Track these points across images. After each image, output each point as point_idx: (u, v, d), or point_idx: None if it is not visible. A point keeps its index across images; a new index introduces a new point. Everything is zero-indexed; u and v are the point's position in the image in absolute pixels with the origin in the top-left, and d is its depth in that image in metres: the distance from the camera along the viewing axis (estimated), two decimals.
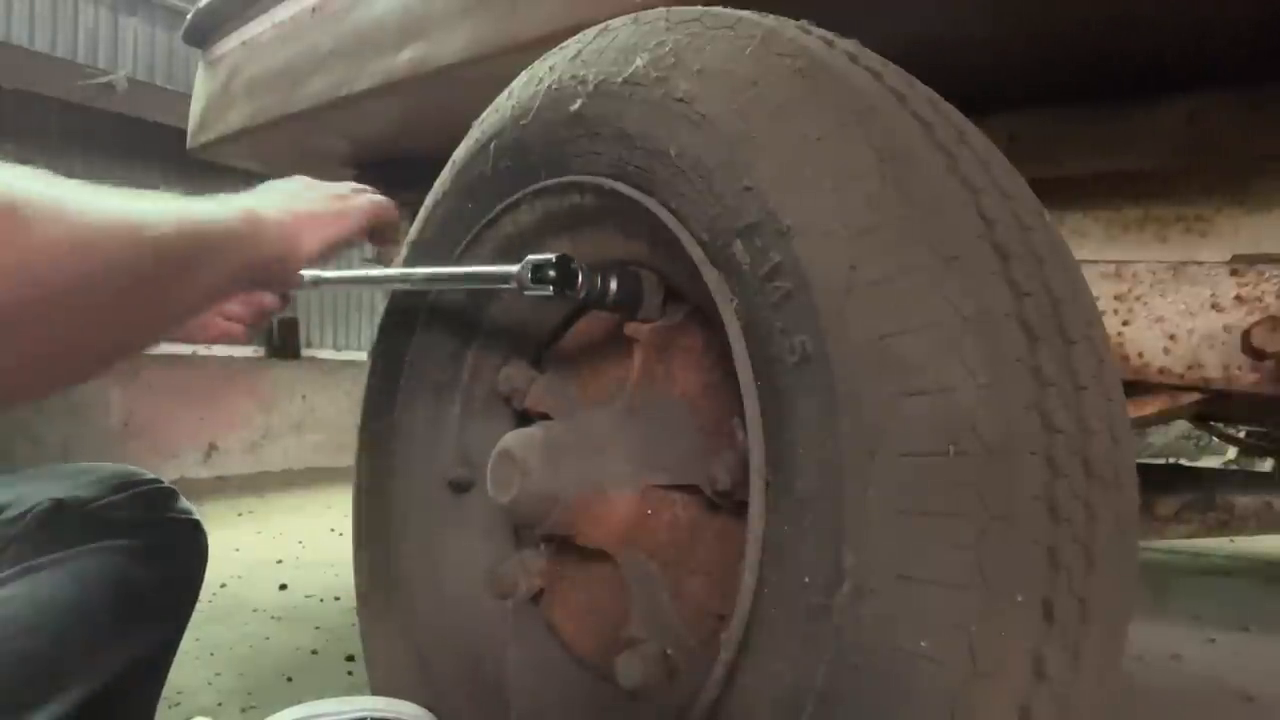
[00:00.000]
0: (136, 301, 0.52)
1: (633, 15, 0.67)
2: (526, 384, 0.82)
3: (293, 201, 0.71)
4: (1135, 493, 0.49)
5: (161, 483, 0.82)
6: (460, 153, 0.83)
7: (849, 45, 0.58)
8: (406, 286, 0.84)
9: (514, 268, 0.65)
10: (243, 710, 1.24)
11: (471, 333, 0.86)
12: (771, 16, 0.60)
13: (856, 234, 0.48)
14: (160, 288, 0.53)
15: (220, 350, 3.64)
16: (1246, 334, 0.75)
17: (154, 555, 0.76)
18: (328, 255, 0.73)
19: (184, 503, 0.84)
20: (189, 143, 1.73)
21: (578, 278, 0.64)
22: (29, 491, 0.74)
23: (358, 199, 0.77)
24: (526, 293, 0.64)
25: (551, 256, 0.63)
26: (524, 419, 0.85)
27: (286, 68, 1.43)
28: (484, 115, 0.81)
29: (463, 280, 0.76)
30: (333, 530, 2.72)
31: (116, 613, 0.71)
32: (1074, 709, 0.45)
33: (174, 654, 0.81)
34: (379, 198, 0.81)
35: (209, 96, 1.65)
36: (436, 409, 0.89)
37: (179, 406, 3.58)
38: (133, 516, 0.76)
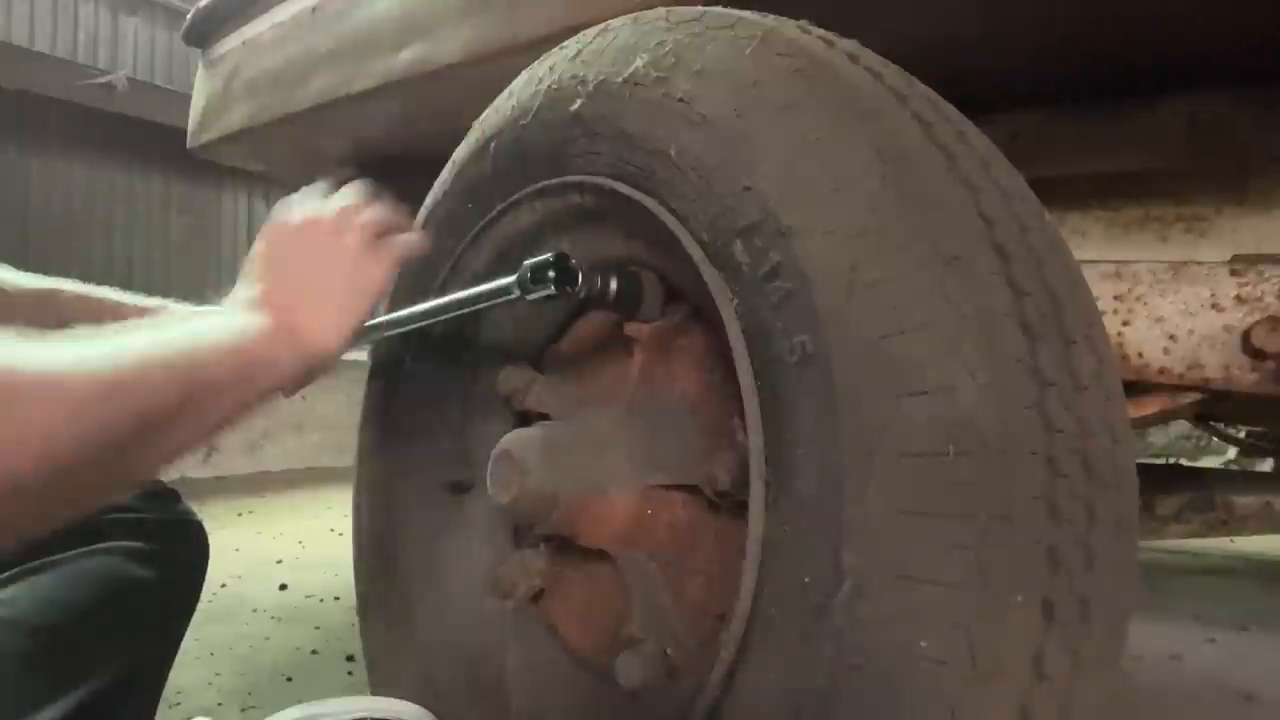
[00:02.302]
0: (139, 451, 0.48)
1: (633, 15, 0.67)
2: (526, 384, 0.82)
3: (303, 293, 0.61)
4: (1135, 493, 0.49)
5: (162, 483, 0.82)
6: (460, 153, 0.83)
7: (849, 45, 0.58)
8: (409, 327, 0.75)
9: (511, 278, 0.65)
10: (243, 710, 1.24)
11: (472, 333, 0.86)
12: (771, 16, 0.60)
13: (856, 234, 0.48)
14: (163, 435, 0.49)
15: None
16: (1246, 334, 0.75)
17: (154, 556, 0.76)
18: (352, 344, 0.65)
19: (184, 503, 0.84)
20: (189, 142, 1.73)
21: (577, 276, 0.63)
22: None
23: (375, 265, 0.66)
24: (528, 296, 0.64)
25: (549, 256, 0.63)
26: (524, 419, 0.85)
27: (286, 67, 1.43)
28: (484, 115, 0.81)
29: (466, 304, 0.71)
30: (333, 530, 2.72)
31: (117, 613, 0.72)
32: (1074, 709, 0.45)
33: (174, 654, 0.81)
34: (403, 242, 0.69)
35: (209, 96, 1.65)
36: (436, 409, 0.89)
37: None
38: (134, 518, 0.76)
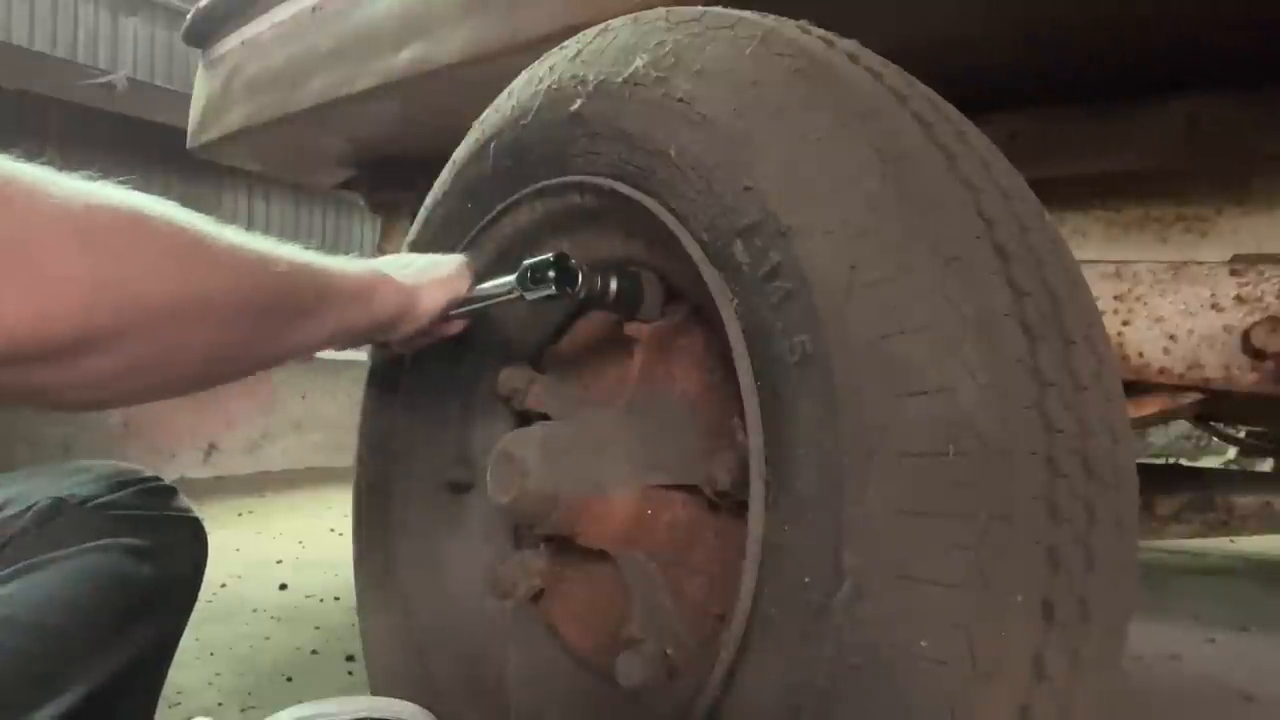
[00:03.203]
0: (247, 328, 0.54)
1: (633, 15, 0.67)
2: (526, 384, 0.82)
3: (421, 266, 0.73)
4: (1135, 493, 0.49)
5: (161, 481, 0.82)
6: (460, 153, 0.83)
7: (849, 45, 0.58)
8: None
9: (511, 278, 0.65)
10: (243, 710, 1.24)
11: (472, 333, 0.86)
12: (771, 16, 0.60)
13: (856, 234, 0.48)
14: (274, 321, 0.57)
15: None
16: (1246, 334, 0.75)
17: (154, 554, 0.76)
18: (446, 313, 0.73)
19: (183, 501, 0.83)
20: (189, 142, 1.73)
21: (577, 276, 0.64)
22: (28, 490, 0.74)
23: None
24: (528, 296, 0.64)
25: (549, 256, 0.63)
26: (524, 419, 0.85)
27: (286, 67, 1.43)
28: (484, 115, 0.81)
29: (465, 304, 0.73)
30: (333, 530, 2.72)
31: (116, 612, 0.71)
32: (1074, 709, 0.45)
33: (174, 653, 0.80)
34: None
35: (209, 96, 1.65)
36: (436, 409, 0.89)
37: (179, 407, 3.58)
38: (132, 515, 0.76)
